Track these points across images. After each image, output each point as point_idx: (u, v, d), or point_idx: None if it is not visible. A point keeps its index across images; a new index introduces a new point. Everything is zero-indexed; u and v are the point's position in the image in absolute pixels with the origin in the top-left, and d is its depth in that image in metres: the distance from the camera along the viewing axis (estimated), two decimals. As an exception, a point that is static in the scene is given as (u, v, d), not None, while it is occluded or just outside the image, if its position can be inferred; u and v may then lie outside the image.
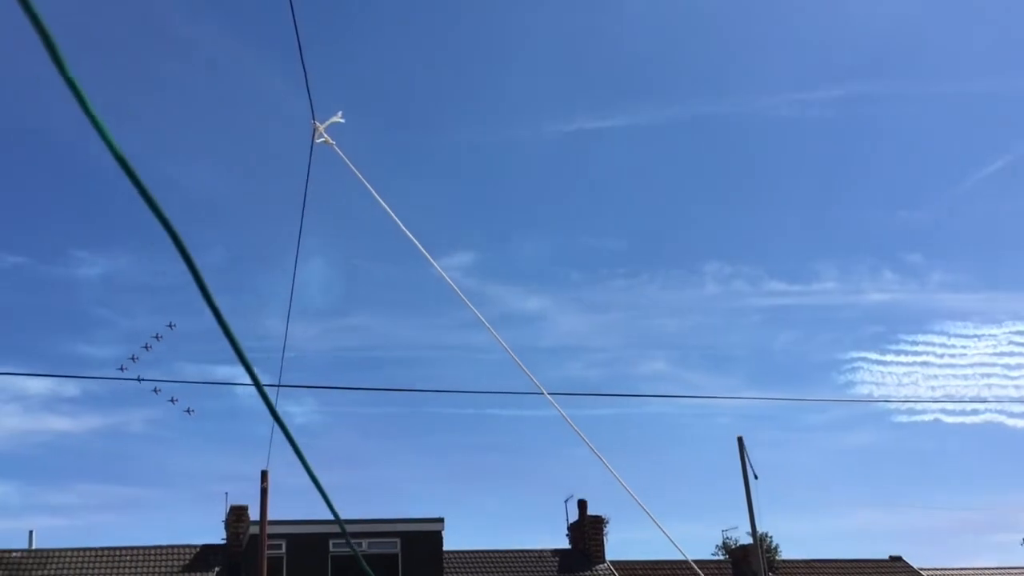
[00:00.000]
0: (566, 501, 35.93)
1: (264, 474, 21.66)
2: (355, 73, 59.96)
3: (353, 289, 60.69)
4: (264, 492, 21.60)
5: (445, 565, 30.96)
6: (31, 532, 31.62)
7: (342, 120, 9.23)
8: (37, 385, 56.24)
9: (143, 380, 20.37)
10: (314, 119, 9.13)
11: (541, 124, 63.26)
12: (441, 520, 30.77)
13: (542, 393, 8.25)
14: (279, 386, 16.42)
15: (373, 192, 8.98)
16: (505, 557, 34.38)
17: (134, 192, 2.25)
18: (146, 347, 30.74)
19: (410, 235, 8.46)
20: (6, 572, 30.03)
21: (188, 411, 31.80)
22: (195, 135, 62.42)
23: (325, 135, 9.18)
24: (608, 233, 64.80)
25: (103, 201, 63.58)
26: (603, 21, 61.94)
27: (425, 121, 62.61)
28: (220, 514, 32.49)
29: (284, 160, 62.11)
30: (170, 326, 31.42)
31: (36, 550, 31.19)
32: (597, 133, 61.64)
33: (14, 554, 30.85)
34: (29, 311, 59.37)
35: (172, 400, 27.18)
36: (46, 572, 30.28)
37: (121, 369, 27.84)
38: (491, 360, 51.90)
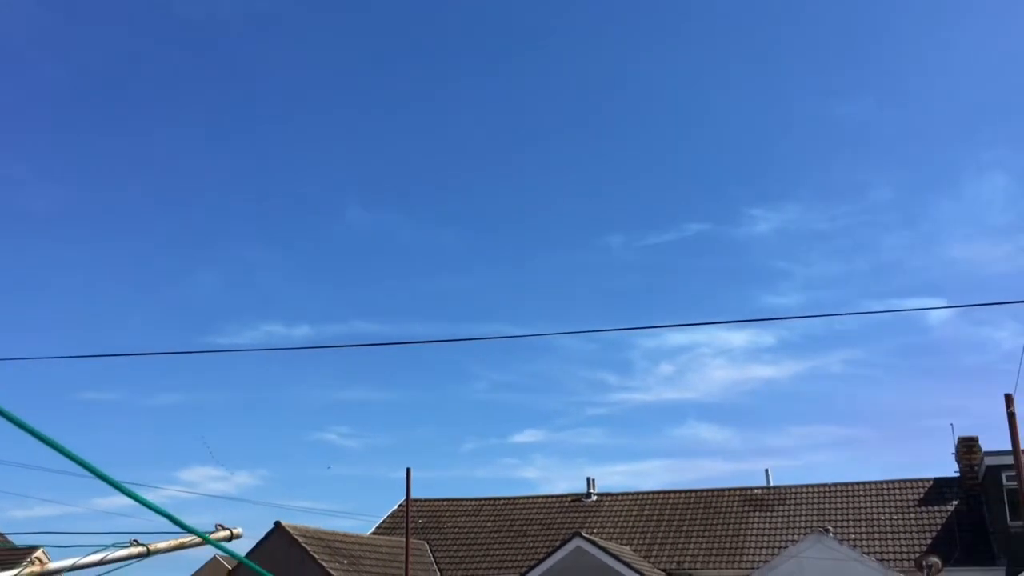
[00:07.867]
0: None
1: (1009, 398, 20.45)
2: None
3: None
4: (1012, 417, 20.38)
5: None
6: (767, 471, 33.97)
7: None
8: (738, 338, 60.75)
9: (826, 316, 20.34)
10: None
11: None
12: None
13: None
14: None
15: None
16: None
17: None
18: None
19: None
20: (752, 507, 32.66)
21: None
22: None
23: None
24: None
25: (767, 159, 66.23)
26: None
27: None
28: (944, 448, 31.68)
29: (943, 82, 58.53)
30: None
31: (774, 487, 33.43)
32: None
33: (755, 491, 33.44)
34: (714, 272, 64.31)
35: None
36: (786, 507, 32.29)
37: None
38: None
